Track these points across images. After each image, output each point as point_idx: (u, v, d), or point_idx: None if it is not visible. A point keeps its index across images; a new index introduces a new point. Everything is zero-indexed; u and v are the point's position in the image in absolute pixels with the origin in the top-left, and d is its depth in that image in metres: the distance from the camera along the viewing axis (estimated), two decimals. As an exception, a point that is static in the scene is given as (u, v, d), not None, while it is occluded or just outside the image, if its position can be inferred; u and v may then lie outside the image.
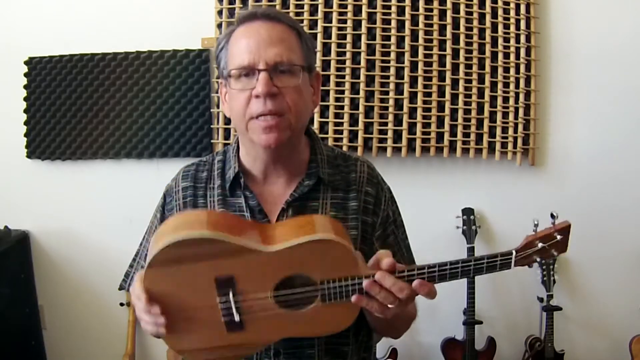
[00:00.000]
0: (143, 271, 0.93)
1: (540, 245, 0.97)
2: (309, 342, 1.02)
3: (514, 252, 0.96)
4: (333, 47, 2.32)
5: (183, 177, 1.12)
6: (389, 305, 0.92)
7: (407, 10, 2.30)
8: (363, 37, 2.31)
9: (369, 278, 0.92)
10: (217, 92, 2.37)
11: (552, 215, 0.98)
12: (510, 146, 2.35)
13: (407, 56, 2.32)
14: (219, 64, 1.04)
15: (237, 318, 0.93)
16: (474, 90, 2.34)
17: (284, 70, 0.97)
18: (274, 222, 1.04)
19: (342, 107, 2.33)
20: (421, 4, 2.31)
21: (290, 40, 1.00)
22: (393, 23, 2.32)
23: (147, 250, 1.13)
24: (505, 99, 2.35)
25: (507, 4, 2.32)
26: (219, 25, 2.36)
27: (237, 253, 0.91)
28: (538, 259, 0.98)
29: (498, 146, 2.34)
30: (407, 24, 2.31)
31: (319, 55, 2.30)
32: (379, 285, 0.92)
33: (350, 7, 2.31)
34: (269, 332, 0.96)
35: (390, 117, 2.34)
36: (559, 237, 0.97)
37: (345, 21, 2.32)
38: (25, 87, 2.48)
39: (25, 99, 2.49)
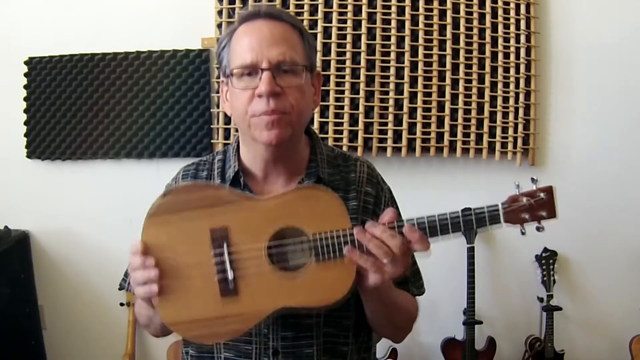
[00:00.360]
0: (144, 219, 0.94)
1: (525, 200, 0.95)
2: (308, 342, 1.02)
3: (499, 204, 0.95)
4: (333, 47, 2.32)
5: (183, 176, 1.13)
6: (383, 260, 0.90)
7: (407, 10, 2.31)
8: (363, 37, 2.31)
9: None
10: (217, 92, 2.37)
11: (532, 180, 0.98)
12: (510, 146, 2.35)
13: (407, 56, 2.32)
14: (221, 62, 1.04)
15: (230, 275, 0.92)
16: (474, 90, 2.34)
17: (287, 69, 0.97)
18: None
19: (342, 107, 2.34)
20: (421, 4, 2.31)
21: (292, 39, 1.00)
22: (393, 23, 2.32)
23: None
24: (505, 99, 2.35)
25: (507, 4, 2.33)
26: (219, 25, 2.36)
27: (232, 201, 0.95)
28: (527, 217, 0.95)
29: (498, 146, 2.35)
30: (407, 24, 2.31)
31: (319, 55, 2.30)
32: (369, 234, 0.91)
33: (350, 7, 2.31)
34: (263, 299, 0.94)
35: (390, 117, 2.34)
36: (542, 195, 0.96)
37: (345, 21, 2.32)
38: (25, 87, 2.48)
39: (25, 99, 2.49)
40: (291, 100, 0.97)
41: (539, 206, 0.96)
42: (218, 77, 2.37)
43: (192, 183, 1.03)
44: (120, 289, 1.20)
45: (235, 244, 0.93)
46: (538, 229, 0.96)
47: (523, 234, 0.97)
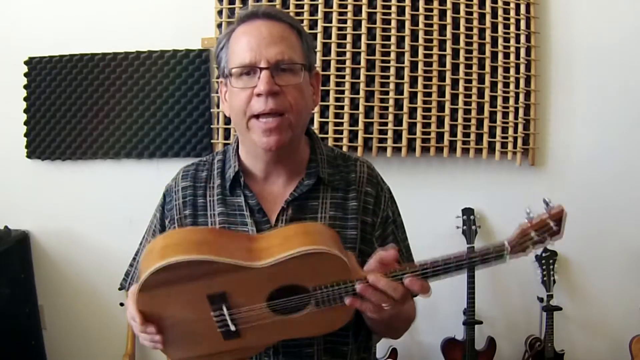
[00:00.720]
0: (136, 290, 0.91)
1: (534, 235, 0.92)
2: (308, 341, 1.02)
3: (506, 244, 0.92)
4: (333, 47, 2.32)
5: (183, 177, 1.12)
6: (384, 307, 0.91)
7: (407, 10, 2.31)
8: (363, 37, 2.31)
9: (362, 281, 0.91)
10: (217, 92, 2.37)
11: (545, 202, 0.93)
12: (510, 146, 2.35)
13: (407, 56, 2.32)
14: (219, 63, 1.04)
15: (233, 328, 0.93)
16: (474, 90, 2.34)
17: (285, 68, 0.98)
18: (265, 232, 1.02)
19: (342, 107, 2.33)
20: (421, 4, 2.31)
21: (291, 38, 1.00)
22: (393, 23, 2.32)
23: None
24: (505, 99, 2.35)
25: (507, 4, 2.33)
26: (219, 25, 2.36)
27: (227, 271, 0.90)
28: (531, 246, 0.93)
29: (498, 146, 2.34)
30: (407, 24, 2.31)
31: (319, 55, 2.30)
32: (372, 287, 0.90)
33: (350, 7, 2.31)
34: (265, 336, 0.96)
35: (390, 117, 2.34)
36: (553, 225, 0.92)
37: (345, 21, 2.32)
38: (25, 87, 2.48)
39: (25, 99, 2.49)
40: (290, 99, 0.97)
41: (546, 235, 0.93)
42: (218, 77, 2.36)
43: (182, 259, 0.90)
44: (120, 289, 1.19)
45: (234, 306, 0.93)
46: (539, 247, 0.95)
47: (526, 254, 0.95)
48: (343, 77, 2.33)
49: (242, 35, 0.99)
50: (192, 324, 0.94)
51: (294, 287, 0.93)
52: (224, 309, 0.92)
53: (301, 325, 0.95)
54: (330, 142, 2.33)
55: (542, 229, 0.92)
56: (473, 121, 2.34)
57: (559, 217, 0.92)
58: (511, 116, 2.35)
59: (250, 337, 0.95)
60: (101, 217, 2.52)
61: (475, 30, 2.33)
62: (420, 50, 2.32)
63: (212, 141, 2.40)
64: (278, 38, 0.98)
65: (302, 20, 2.30)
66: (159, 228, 1.13)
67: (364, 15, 2.31)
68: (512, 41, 2.33)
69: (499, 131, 2.35)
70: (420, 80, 2.32)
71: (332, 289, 0.91)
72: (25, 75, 2.48)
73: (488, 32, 2.32)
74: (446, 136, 2.34)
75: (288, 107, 0.97)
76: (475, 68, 2.33)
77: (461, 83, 2.33)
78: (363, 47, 2.31)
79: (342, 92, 2.33)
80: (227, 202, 1.07)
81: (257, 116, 0.98)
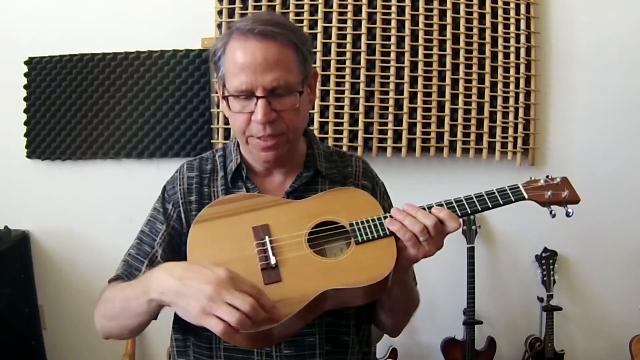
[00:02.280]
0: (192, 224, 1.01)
1: (543, 181, 1.02)
2: (310, 330, 1.02)
3: (519, 183, 1.01)
4: (333, 47, 2.32)
5: (188, 168, 1.15)
6: (419, 237, 0.94)
7: (407, 10, 2.31)
8: (363, 37, 2.31)
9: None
10: (217, 92, 2.37)
11: (546, 176, 1.03)
12: (510, 146, 2.35)
13: (407, 56, 2.32)
14: (217, 69, 1.04)
15: (273, 261, 0.94)
16: (474, 90, 2.34)
17: (282, 93, 0.99)
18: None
19: (342, 107, 2.33)
20: (421, 4, 2.31)
21: (287, 59, 0.99)
22: (393, 23, 2.32)
23: (138, 238, 1.12)
24: (505, 99, 2.35)
25: (507, 4, 2.33)
26: (219, 25, 2.36)
27: (271, 205, 1.03)
28: (550, 195, 1.00)
29: (498, 146, 2.34)
30: (407, 24, 2.31)
31: (318, 55, 2.30)
32: (404, 212, 0.97)
33: (350, 7, 2.31)
34: (306, 283, 0.93)
35: (390, 117, 2.34)
36: (557, 180, 1.01)
37: (345, 21, 2.32)
38: (25, 87, 2.48)
39: (25, 99, 2.49)
40: (287, 121, 1.01)
41: (557, 186, 1.01)
42: (217, 77, 2.36)
43: (234, 194, 1.07)
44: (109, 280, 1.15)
45: (276, 236, 0.99)
46: (567, 214, 1.00)
47: (553, 216, 1.01)
48: (343, 77, 2.33)
49: (238, 55, 0.98)
50: (234, 264, 0.91)
51: (332, 224, 1.00)
52: (267, 238, 0.98)
53: (344, 270, 0.95)
54: (330, 142, 2.33)
55: (549, 180, 1.02)
56: (473, 121, 2.34)
57: (562, 178, 1.02)
58: (511, 116, 2.35)
59: (291, 282, 0.93)
60: (101, 217, 2.52)
61: (475, 30, 2.33)
62: (420, 50, 2.32)
63: (212, 141, 2.40)
64: (273, 63, 0.97)
65: (302, 21, 2.30)
66: (162, 212, 1.11)
67: (364, 15, 2.31)
68: (512, 41, 2.33)
69: (499, 131, 2.35)
70: (420, 80, 2.32)
71: (367, 219, 0.99)
72: (25, 75, 2.48)
73: (488, 32, 2.32)
74: (446, 136, 2.34)
75: (285, 129, 1.01)
76: (475, 68, 2.33)
77: (461, 83, 2.33)
78: (363, 47, 2.31)
79: (342, 92, 2.33)
80: (230, 194, 1.09)
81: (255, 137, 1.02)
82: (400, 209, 0.98)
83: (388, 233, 0.97)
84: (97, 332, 1.05)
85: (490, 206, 1.00)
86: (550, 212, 1.01)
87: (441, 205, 1.00)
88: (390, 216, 0.98)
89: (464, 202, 1.00)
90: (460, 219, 0.99)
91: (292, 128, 1.02)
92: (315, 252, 0.98)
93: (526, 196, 1.00)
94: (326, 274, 0.94)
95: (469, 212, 1.00)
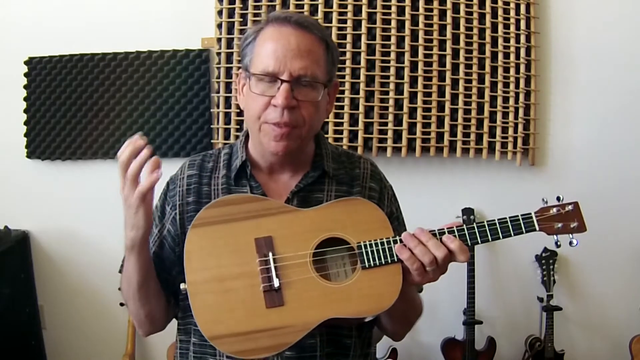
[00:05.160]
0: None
1: (555, 210, 1.00)
2: (310, 332, 1.02)
3: (532, 213, 0.99)
4: (333, 47, 2.32)
5: (189, 166, 1.14)
6: (427, 267, 0.94)
7: (407, 10, 2.31)
8: (363, 37, 2.31)
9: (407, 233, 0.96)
10: (217, 92, 2.37)
11: (557, 198, 1.03)
12: (510, 146, 2.35)
13: (407, 56, 2.32)
14: (243, 57, 1.05)
15: (276, 283, 0.92)
16: (474, 90, 2.34)
17: (306, 84, 0.99)
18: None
19: (342, 107, 2.33)
20: (421, 4, 2.31)
21: (317, 53, 1.00)
22: (393, 23, 2.32)
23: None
24: (505, 99, 2.35)
25: (507, 4, 2.33)
26: (219, 25, 2.36)
27: (275, 213, 0.97)
28: (560, 226, 1.00)
29: (498, 146, 2.34)
30: (407, 24, 2.31)
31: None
32: (417, 239, 0.95)
33: (350, 7, 2.31)
34: (310, 310, 0.92)
35: (390, 117, 2.34)
36: (569, 207, 1.01)
37: (345, 21, 2.32)
38: (25, 87, 2.48)
39: (25, 99, 2.49)
40: (304, 114, 0.99)
41: (568, 216, 1.01)
42: (218, 77, 2.37)
43: (235, 195, 1.03)
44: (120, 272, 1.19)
45: (280, 252, 0.94)
46: (571, 243, 1.01)
47: (558, 246, 1.02)
48: (343, 77, 2.32)
49: (270, 40, 0.99)
50: (234, 281, 0.92)
51: (339, 242, 0.96)
52: (270, 255, 0.94)
53: (347, 298, 0.93)
54: (330, 142, 2.32)
55: (561, 208, 1.02)
56: (473, 121, 2.34)
57: (574, 203, 1.03)
58: (511, 116, 2.35)
59: (293, 307, 0.92)
60: (101, 217, 2.51)
61: (475, 30, 2.33)
62: (420, 50, 2.32)
63: (212, 141, 2.40)
64: (305, 52, 0.98)
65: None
66: (159, 215, 1.13)
67: (364, 15, 2.31)
68: (512, 41, 2.33)
69: (499, 131, 2.35)
70: (420, 80, 2.32)
71: (376, 241, 0.96)
72: (25, 75, 2.48)
73: (488, 32, 2.32)
74: (446, 136, 2.34)
75: (301, 122, 0.99)
76: (475, 68, 2.33)
77: (461, 83, 2.33)
78: (363, 47, 2.31)
79: (342, 92, 2.33)
80: (232, 192, 1.08)
81: (269, 123, 1.00)
82: (411, 235, 0.96)
83: (396, 260, 0.95)
84: (140, 335, 1.14)
85: (501, 237, 0.98)
86: (556, 242, 1.02)
87: (453, 232, 0.97)
88: (401, 240, 0.96)
89: (476, 231, 0.97)
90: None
91: (308, 123, 1.00)
92: (319, 268, 0.95)
93: (537, 228, 0.99)
94: (330, 301, 0.93)
95: (479, 242, 0.98)
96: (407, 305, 1.08)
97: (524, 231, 0.98)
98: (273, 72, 0.97)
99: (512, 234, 0.98)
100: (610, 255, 2.43)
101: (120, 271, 1.15)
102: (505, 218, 0.98)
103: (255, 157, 1.10)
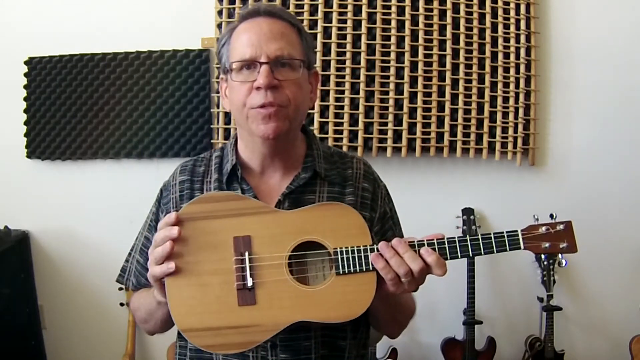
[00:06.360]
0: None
1: (544, 229, 0.97)
2: (306, 334, 1.02)
3: (518, 230, 0.97)
4: (333, 47, 2.32)
5: (181, 171, 1.14)
6: (402, 279, 0.93)
7: (407, 10, 2.31)
8: (363, 37, 2.31)
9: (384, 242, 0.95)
10: (217, 92, 2.37)
11: (550, 215, 1.01)
12: (510, 146, 2.35)
13: (407, 56, 2.32)
14: (220, 59, 1.07)
15: (250, 283, 0.93)
16: (474, 90, 2.34)
17: (285, 63, 1.00)
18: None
19: (342, 107, 2.33)
20: (421, 4, 2.31)
21: (291, 36, 1.03)
22: (393, 23, 2.32)
23: (143, 245, 1.15)
24: (505, 99, 2.35)
25: (507, 4, 2.33)
26: (219, 25, 2.36)
27: (256, 213, 0.98)
28: (547, 246, 0.97)
29: (498, 146, 2.34)
30: (407, 24, 2.31)
31: (319, 55, 2.30)
32: (393, 250, 0.94)
33: (350, 7, 2.31)
34: (280, 310, 0.94)
35: (390, 117, 2.34)
36: (561, 226, 0.98)
37: (345, 21, 2.32)
38: (25, 87, 2.48)
39: (25, 99, 2.49)
40: (288, 93, 0.99)
41: (558, 236, 0.98)
42: (218, 77, 2.36)
43: (220, 192, 1.05)
44: (117, 281, 1.21)
45: (257, 252, 0.95)
46: (559, 263, 1.00)
47: (546, 265, 0.99)
48: (343, 77, 2.33)
49: (244, 32, 1.02)
50: (210, 277, 0.94)
51: (316, 245, 0.97)
52: (247, 255, 0.95)
53: (320, 303, 0.94)
54: (330, 142, 2.33)
55: (551, 227, 0.97)
56: (473, 121, 2.34)
57: (567, 223, 0.98)
58: (511, 116, 2.35)
59: (265, 307, 0.93)
60: (101, 217, 2.52)
61: (475, 30, 2.33)
62: (420, 50, 2.32)
63: (212, 141, 2.40)
64: (278, 34, 1.00)
65: (302, 21, 2.30)
66: (154, 224, 1.14)
67: (364, 15, 2.31)
68: (512, 41, 2.33)
69: (499, 131, 2.35)
70: (420, 80, 2.32)
71: (352, 248, 0.95)
72: (25, 75, 2.48)
73: (488, 32, 2.32)
74: (446, 136, 2.34)
75: (286, 101, 0.99)
76: (475, 68, 2.33)
77: (461, 83, 2.33)
78: (363, 47, 2.31)
79: (342, 92, 2.33)
80: None
81: (256, 108, 1.00)
82: (388, 246, 0.94)
83: (371, 269, 0.95)
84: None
85: (483, 253, 0.96)
86: (542, 260, 1.00)
87: (432, 244, 0.94)
88: (377, 249, 0.95)
89: (457, 245, 0.95)
90: (447, 262, 0.95)
91: (293, 102, 1.00)
92: (299, 270, 0.96)
93: (522, 247, 0.97)
94: (301, 304, 0.94)
95: (459, 256, 0.95)
96: (394, 310, 1.07)
97: (508, 249, 0.96)
98: (251, 58, 0.99)
99: (495, 251, 0.96)
100: (610, 255, 2.43)
101: (118, 281, 1.20)
102: (490, 234, 0.96)
103: (246, 158, 1.09)
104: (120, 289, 2.37)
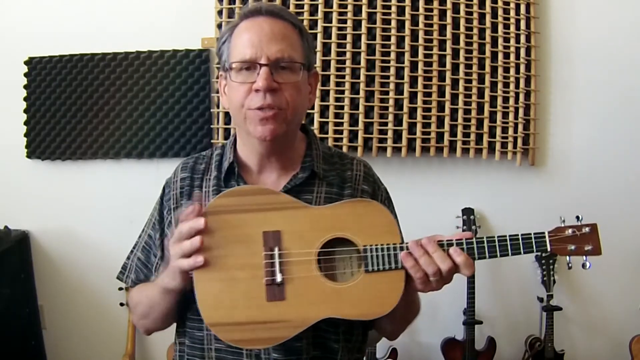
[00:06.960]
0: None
1: (570, 232, 0.98)
2: (297, 335, 1.01)
3: (545, 231, 0.97)
4: (333, 47, 2.32)
5: (182, 169, 1.14)
6: (430, 278, 0.94)
7: (407, 10, 2.31)
8: (363, 37, 2.31)
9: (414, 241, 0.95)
10: (217, 92, 2.37)
11: (577, 217, 1.01)
12: (510, 146, 2.35)
13: (407, 56, 2.32)
14: (220, 57, 1.06)
15: (279, 278, 0.93)
16: (474, 90, 2.34)
17: (285, 66, 1.00)
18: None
19: (342, 107, 2.33)
20: (421, 4, 2.31)
21: (292, 37, 1.02)
22: (393, 23, 2.32)
23: (145, 242, 1.15)
24: (505, 99, 2.35)
25: (507, 4, 2.33)
26: (219, 25, 2.36)
27: (286, 208, 0.97)
28: (573, 248, 0.98)
29: (498, 146, 2.34)
30: (407, 24, 2.31)
31: (319, 55, 2.30)
32: (423, 249, 0.94)
33: (350, 7, 2.31)
34: (309, 306, 0.94)
35: (390, 117, 2.34)
36: (587, 229, 0.98)
37: (345, 21, 2.32)
38: (25, 87, 2.48)
39: (25, 99, 2.49)
40: (287, 96, 0.99)
41: (584, 239, 0.98)
42: (218, 72, 2.36)
43: (248, 186, 1.04)
44: (118, 279, 1.20)
45: (286, 248, 0.95)
46: (583, 265, 0.99)
47: (569, 267, 1.00)
48: (343, 77, 2.33)
49: (245, 31, 1.01)
50: (239, 271, 0.93)
51: (345, 242, 0.97)
52: (276, 250, 0.94)
53: (348, 299, 0.94)
54: (330, 142, 2.33)
55: (577, 229, 0.98)
56: (473, 121, 2.34)
57: (593, 225, 0.99)
58: (511, 116, 2.35)
59: (293, 303, 0.93)
60: (101, 217, 2.52)
61: (475, 30, 2.33)
62: (420, 50, 2.32)
63: (212, 141, 2.40)
64: (280, 36, 1.00)
65: (302, 21, 2.30)
66: (158, 219, 1.14)
67: (364, 15, 2.31)
68: (512, 41, 2.34)
69: (499, 131, 2.35)
70: (420, 80, 2.32)
71: (382, 246, 0.96)
72: (25, 75, 2.48)
73: (488, 32, 2.32)
74: (446, 136, 2.34)
75: (284, 104, 0.99)
76: (475, 68, 2.33)
77: (461, 83, 2.33)
78: (363, 47, 2.31)
79: (342, 92, 2.33)
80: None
81: (254, 109, 1.00)
82: (417, 244, 0.95)
83: (400, 267, 0.95)
84: (141, 333, 1.13)
85: (510, 254, 0.96)
86: (568, 263, 1.00)
87: (461, 244, 0.95)
88: (407, 248, 0.96)
89: (485, 245, 0.95)
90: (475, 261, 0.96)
91: (292, 105, 1.00)
92: (327, 266, 0.96)
93: (549, 249, 0.97)
94: (330, 301, 0.94)
95: (487, 257, 0.96)
96: (407, 307, 1.08)
97: (535, 250, 0.97)
98: (251, 59, 0.98)
99: (522, 252, 0.96)
100: (610, 255, 2.40)
101: (119, 277, 1.19)
102: (517, 235, 0.96)
103: (244, 157, 1.09)
104: (120, 289, 2.37)
